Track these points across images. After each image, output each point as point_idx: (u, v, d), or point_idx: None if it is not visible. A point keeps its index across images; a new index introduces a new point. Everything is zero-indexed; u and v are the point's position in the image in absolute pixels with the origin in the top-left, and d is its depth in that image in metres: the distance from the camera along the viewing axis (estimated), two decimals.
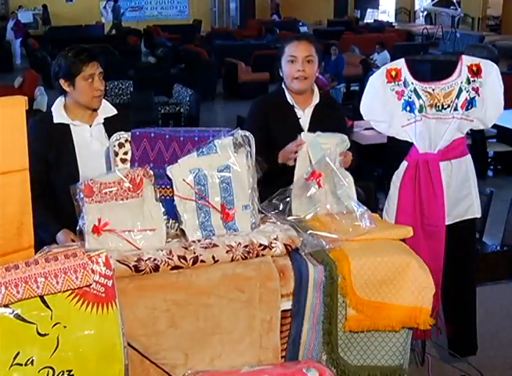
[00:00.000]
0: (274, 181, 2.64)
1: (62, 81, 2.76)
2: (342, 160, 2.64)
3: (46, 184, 2.74)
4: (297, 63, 2.90)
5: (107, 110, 2.88)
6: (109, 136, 2.58)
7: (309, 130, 2.90)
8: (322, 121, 2.94)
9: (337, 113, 3.15)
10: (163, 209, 2.33)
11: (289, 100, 2.99)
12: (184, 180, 2.34)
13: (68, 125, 2.78)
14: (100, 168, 2.64)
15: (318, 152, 2.60)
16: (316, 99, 3.03)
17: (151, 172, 2.34)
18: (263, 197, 2.49)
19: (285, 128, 2.91)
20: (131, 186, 2.27)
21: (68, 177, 2.65)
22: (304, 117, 3.00)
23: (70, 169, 2.75)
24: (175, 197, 2.36)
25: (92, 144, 2.80)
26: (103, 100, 2.87)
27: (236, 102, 11.82)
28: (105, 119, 2.84)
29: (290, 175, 2.67)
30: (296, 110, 3.00)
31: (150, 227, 2.28)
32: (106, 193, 2.25)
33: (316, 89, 3.05)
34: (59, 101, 2.83)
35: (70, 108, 2.80)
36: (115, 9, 22.71)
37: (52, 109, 2.82)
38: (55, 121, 2.78)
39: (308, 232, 2.38)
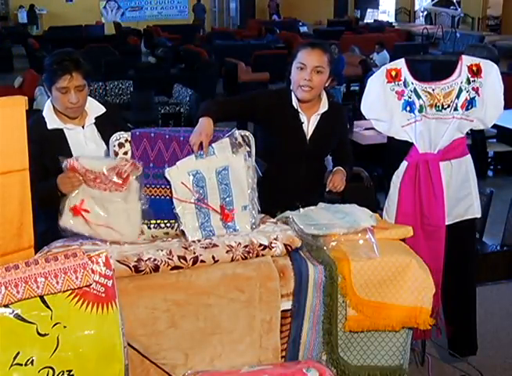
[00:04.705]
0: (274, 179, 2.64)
1: (45, 85, 2.73)
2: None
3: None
4: (305, 72, 2.80)
5: (96, 109, 2.82)
6: (102, 135, 2.57)
7: (312, 136, 2.92)
8: (326, 130, 2.95)
9: (342, 119, 3.14)
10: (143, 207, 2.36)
11: (294, 104, 2.90)
12: (182, 183, 2.34)
13: (62, 130, 2.75)
14: None
15: None
16: (324, 108, 2.94)
17: (140, 168, 2.35)
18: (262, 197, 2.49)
19: (286, 128, 2.90)
20: (117, 179, 2.30)
21: None
22: (310, 124, 2.92)
23: None
24: (174, 200, 2.36)
25: (88, 145, 2.76)
26: (90, 99, 2.81)
27: None
28: (95, 118, 2.81)
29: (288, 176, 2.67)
30: (300, 115, 2.91)
31: (125, 226, 2.33)
32: (90, 179, 2.30)
33: (325, 97, 2.95)
34: (47, 106, 2.78)
35: (59, 112, 2.77)
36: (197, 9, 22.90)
37: (44, 114, 2.77)
38: (50, 127, 2.73)
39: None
